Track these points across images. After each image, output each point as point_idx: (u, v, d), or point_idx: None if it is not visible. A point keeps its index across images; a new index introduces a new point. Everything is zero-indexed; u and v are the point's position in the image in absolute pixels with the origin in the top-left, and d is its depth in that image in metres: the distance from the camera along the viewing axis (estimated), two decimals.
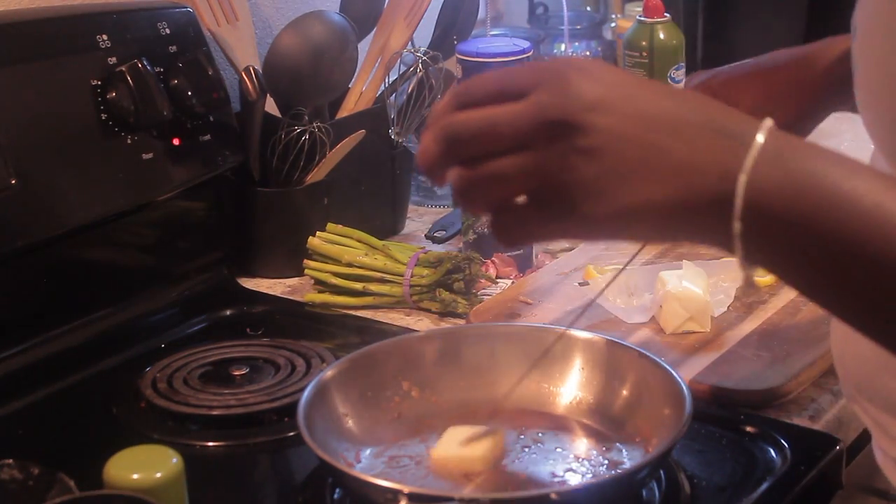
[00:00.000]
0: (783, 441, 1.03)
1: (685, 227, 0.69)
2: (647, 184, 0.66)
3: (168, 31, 1.33)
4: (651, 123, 0.67)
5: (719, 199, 0.66)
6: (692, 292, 1.20)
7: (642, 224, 0.68)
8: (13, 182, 1.17)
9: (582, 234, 0.72)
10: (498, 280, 1.38)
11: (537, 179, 0.68)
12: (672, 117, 0.67)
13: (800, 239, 0.66)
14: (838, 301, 0.69)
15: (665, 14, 1.67)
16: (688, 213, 0.67)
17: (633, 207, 0.67)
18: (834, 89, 1.00)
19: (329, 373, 1.05)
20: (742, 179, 0.65)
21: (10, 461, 0.93)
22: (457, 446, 0.98)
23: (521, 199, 0.70)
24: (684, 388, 0.98)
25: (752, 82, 1.04)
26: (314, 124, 1.41)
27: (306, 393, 1.01)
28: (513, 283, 1.38)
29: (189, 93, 1.31)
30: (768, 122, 0.67)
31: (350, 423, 1.04)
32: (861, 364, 0.90)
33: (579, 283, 1.32)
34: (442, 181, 0.71)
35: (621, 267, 1.06)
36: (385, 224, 1.55)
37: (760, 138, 0.66)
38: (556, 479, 0.97)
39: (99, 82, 1.25)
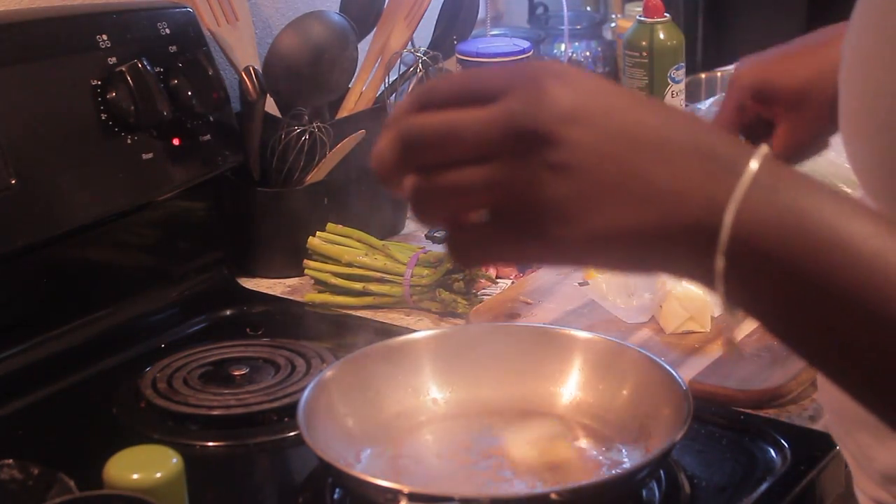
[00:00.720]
0: (783, 441, 1.03)
1: (661, 259, 0.62)
2: (622, 208, 0.60)
3: (168, 31, 1.33)
4: (631, 142, 0.60)
5: (702, 232, 0.59)
6: (692, 292, 1.20)
7: (613, 252, 0.62)
8: (13, 182, 1.17)
9: (545, 257, 0.64)
10: (498, 280, 1.38)
11: (500, 195, 0.61)
12: (656, 136, 0.60)
13: (788, 282, 0.60)
14: (821, 352, 0.63)
15: (665, 14, 1.68)
16: (665, 244, 0.60)
17: (605, 233, 0.60)
18: None
19: (329, 373, 1.05)
20: (730, 211, 0.59)
21: (10, 461, 0.93)
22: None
23: (480, 214, 0.62)
24: (684, 388, 0.98)
25: (804, 59, 0.98)
26: (314, 124, 1.41)
27: (306, 393, 1.01)
28: (513, 283, 1.38)
29: (189, 93, 1.31)
30: (763, 150, 0.61)
31: (350, 423, 1.04)
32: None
33: (579, 283, 1.32)
34: (397, 189, 0.64)
35: None
36: (385, 224, 1.54)
37: (754, 165, 0.60)
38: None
39: (99, 82, 1.25)
